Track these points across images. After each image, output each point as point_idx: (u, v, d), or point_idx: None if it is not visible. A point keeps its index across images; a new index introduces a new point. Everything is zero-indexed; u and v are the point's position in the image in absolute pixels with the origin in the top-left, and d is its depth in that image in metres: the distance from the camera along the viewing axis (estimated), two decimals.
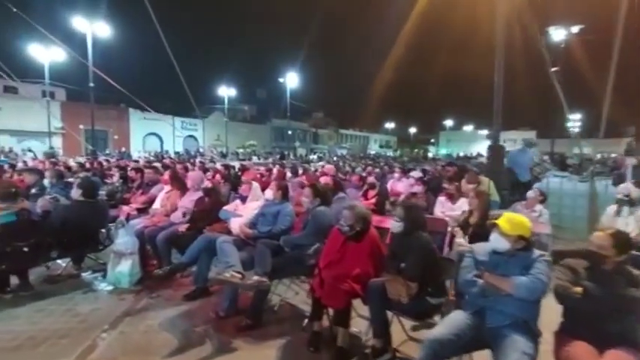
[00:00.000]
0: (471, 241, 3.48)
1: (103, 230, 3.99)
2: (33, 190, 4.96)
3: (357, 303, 2.82)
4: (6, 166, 8.19)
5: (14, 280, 3.69)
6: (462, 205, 4.70)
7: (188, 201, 4.55)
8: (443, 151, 54.98)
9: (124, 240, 3.89)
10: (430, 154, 48.38)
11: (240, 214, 3.96)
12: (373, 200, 5.15)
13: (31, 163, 10.17)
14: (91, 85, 15.33)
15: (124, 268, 3.92)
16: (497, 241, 2.26)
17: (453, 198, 4.78)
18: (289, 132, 42.57)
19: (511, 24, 7.53)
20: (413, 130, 65.48)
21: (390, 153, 49.02)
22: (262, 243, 3.23)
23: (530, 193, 4.80)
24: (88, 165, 9.72)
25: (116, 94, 22.40)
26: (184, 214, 4.47)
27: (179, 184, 4.91)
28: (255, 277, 2.88)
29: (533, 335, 2.06)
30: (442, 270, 2.59)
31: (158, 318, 3.24)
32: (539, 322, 2.15)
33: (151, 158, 16.95)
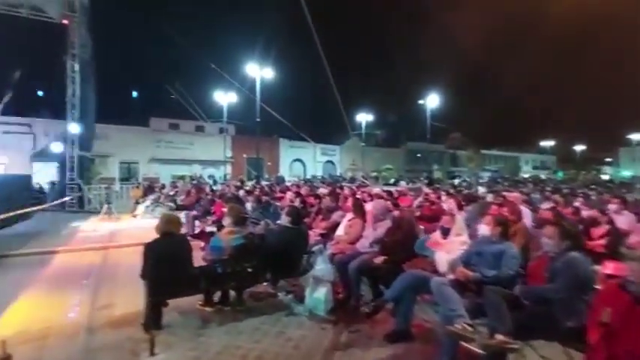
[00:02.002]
0: None
1: (305, 255, 4.15)
2: None
3: None
4: (207, 189, 10.01)
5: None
6: None
7: (375, 230, 4.40)
8: (625, 173, 43.40)
9: (322, 267, 3.95)
10: (605, 176, 38.83)
11: (443, 250, 3.54)
12: (602, 241, 4.00)
13: (218, 187, 12.20)
14: (258, 119, 17.89)
15: (320, 295, 3.94)
16: None
17: None
18: (419, 155, 41.16)
19: None
20: (580, 147, 53.62)
21: (547, 175, 41.44)
22: (492, 291, 2.70)
23: None
24: (259, 189, 11.04)
25: (269, 126, 25.86)
26: (371, 244, 4.33)
27: (361, 213, 4.86)
28: (499, 336, 2.36)
29: None
30: None
31: (368, 359, 3.04)
32: None
33: (301, 183, 18.41)
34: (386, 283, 3.73)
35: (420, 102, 31.04)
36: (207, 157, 27.93)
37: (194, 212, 8.60)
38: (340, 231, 4.92)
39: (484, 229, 3.20)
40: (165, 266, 3.17)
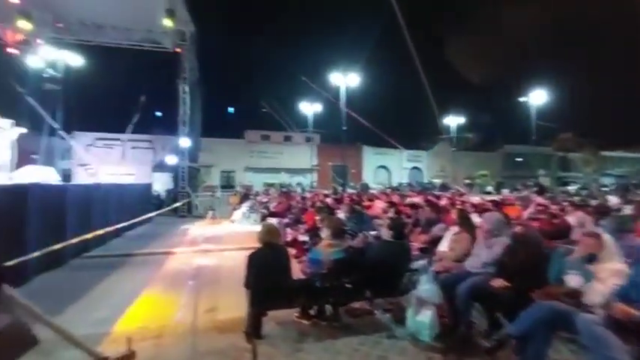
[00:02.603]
0: None
1: (408, 273, 3.80)
2: None
3: None
4: (298, 197, 10.28)
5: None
6: None
7: (489, 248, 3.82)
8: None
9: (427, 287, 3.54)
10: None
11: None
12: None
13: (308, 195, 12.47)
14: (344, 128, 17.93)
15: (425, 319, 3.54)
16: None
17: None
18: (518, 159, 36.73)
19: None
20: None
21: None
22: None
23: None
24: (349, 198, 10.91)
25: (352, 133, 25.86)
26: (485, 264, 3.76)
27: (469, 226, 4.30)
28: None
29: None
30: None
31: None
32: None
33: (388, 190, 17.82)
34: (507, 313, 3.17)
35: (522, 99, 27.65)
36: (294, 165, 29.21)
37: (286, 220, 8.85)
38: (443, 246, 4.43)
39: None
40: (267, 276, 3.16)
